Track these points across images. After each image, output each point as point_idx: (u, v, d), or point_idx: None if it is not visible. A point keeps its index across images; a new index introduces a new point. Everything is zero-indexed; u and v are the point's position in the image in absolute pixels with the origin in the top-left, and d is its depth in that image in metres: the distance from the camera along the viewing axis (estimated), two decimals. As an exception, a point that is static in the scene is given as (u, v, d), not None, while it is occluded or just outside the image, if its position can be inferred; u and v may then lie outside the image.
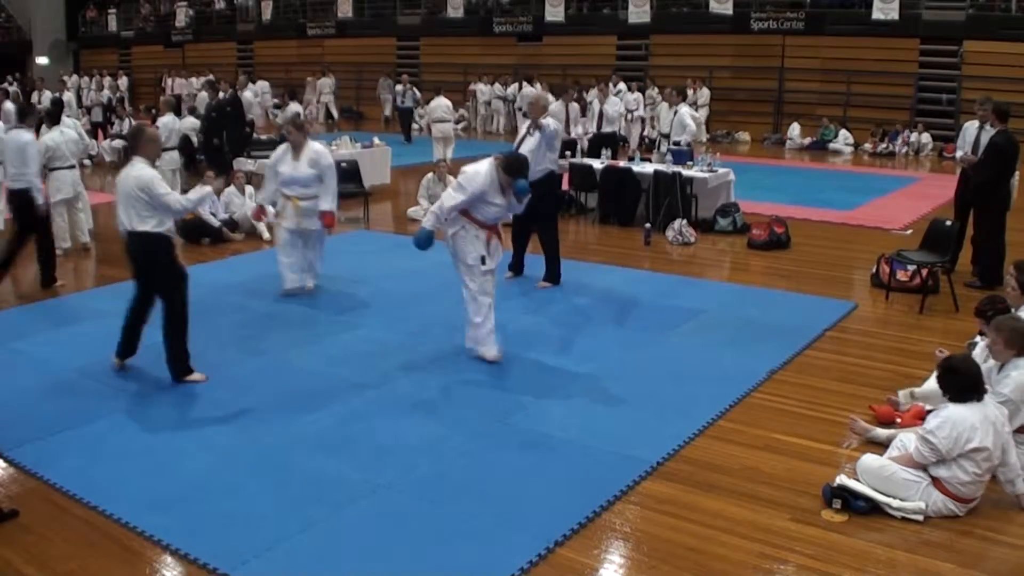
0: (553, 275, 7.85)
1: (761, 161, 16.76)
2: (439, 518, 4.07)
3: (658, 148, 12.09)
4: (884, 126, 18.02)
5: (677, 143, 11.06)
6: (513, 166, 5.76)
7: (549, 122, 7.52)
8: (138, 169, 5.44)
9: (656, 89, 17.56)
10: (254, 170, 11.38)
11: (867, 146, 17.94)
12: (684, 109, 11.36)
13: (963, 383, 4.12)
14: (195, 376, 5.64)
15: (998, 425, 4.09)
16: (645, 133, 17.59)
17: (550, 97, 9.58)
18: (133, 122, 16.48)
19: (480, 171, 5.77)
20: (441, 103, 15.22)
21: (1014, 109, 8.32)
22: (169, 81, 24.79)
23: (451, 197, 5.77)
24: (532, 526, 3.99)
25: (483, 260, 5.83)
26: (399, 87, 18.11)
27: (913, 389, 5.13)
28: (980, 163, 8.02)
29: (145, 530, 3.95)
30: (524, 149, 7.51)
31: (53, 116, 9.14)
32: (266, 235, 9.70)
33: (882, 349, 6.38)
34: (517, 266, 8.14)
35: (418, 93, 18.99)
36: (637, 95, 17.70)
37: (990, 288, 7.32)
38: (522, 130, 7.86)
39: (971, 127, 8.33)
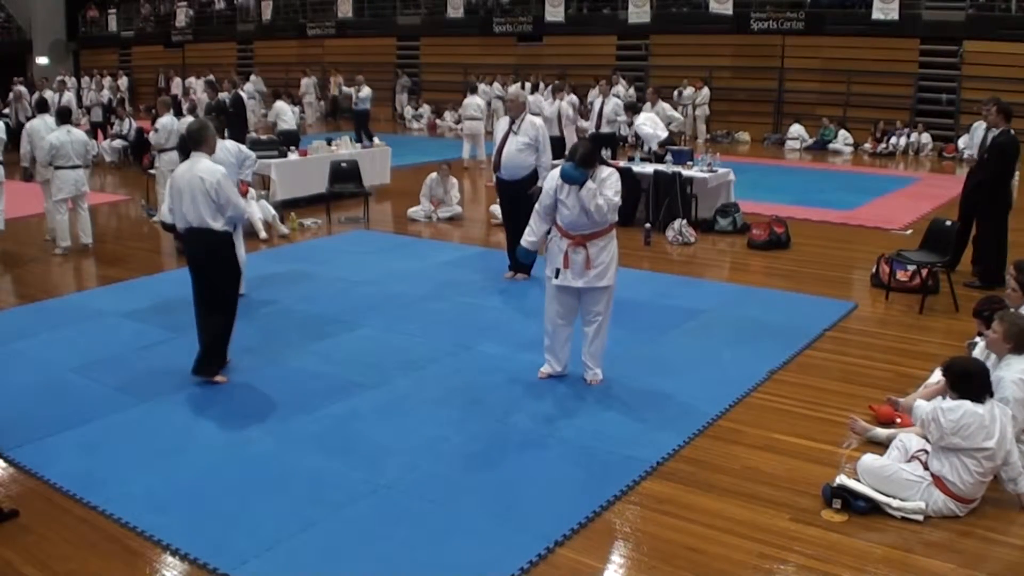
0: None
1: (761, 161, 16.76)
2: (439, 518, 4.07)
3: (641, 148, 12.26)
4: (884, 125, 18.00)
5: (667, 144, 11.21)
6: (571, 150, 5.50)
7: (536, 120, 7.63)
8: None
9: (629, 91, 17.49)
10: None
11: (867, 146, 17.93)
12: (642, 117, 11.50)
13: (979, 384, 4.11)
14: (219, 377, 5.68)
15: (1004, 425, 4.09)
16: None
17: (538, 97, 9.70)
18: (133, 123, 16.54)
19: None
20: (473, 101, 15.78)
21: (1015, 110, 8.32)
22: (170, 82, 24.75)
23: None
24: (532, 526, 3.99)
25: (556, 273, 5.43)
26: (352, 88, 17.41)
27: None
28: (983, 163, 8.05)
29: (145, 530, 3.95)
30: (509, 148, 7.54)
31: (62, 116, 9.38)
32: (262, 234, 9.71)
33: (882, 349, 6.38)
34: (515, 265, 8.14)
35: (368, 91, 17.67)
36: (572, 97, 15.31)
37: (990, 288, 7.32)
38: (500, 129, 7.89)
39: (980, 127, 8.36)
